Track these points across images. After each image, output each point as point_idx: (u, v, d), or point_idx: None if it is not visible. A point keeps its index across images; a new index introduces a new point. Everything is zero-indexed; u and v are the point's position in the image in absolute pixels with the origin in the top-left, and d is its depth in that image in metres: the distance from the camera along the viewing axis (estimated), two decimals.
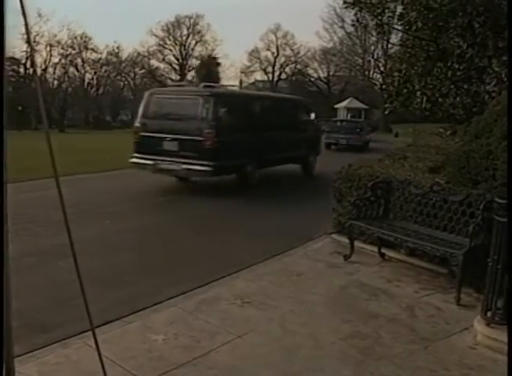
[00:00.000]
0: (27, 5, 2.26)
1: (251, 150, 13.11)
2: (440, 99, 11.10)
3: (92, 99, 76.50)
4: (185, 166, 11.94)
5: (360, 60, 63.93)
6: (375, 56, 60.05)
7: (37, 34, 58.88)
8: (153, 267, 6.78)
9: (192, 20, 73.61)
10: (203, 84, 14.05)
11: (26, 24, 2.42)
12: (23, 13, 2.27)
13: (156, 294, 5.61)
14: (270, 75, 78.81)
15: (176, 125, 12.38)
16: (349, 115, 45.90)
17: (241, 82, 76.89)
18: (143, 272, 6.51)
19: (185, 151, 12.00)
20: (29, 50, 61.11)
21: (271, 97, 19.39)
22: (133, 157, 12.92)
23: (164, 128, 12.45)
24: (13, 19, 2.09)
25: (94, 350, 3.79)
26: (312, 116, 17.40)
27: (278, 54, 77.53)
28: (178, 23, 73.65)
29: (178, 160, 12.03)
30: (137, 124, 13.23)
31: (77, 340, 4.43)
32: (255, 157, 13.27)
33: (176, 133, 12.21)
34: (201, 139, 11.79)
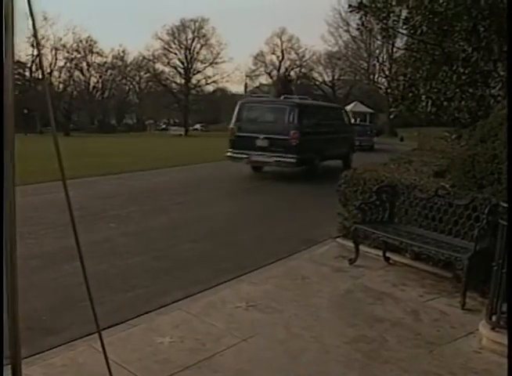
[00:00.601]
0: (34, 9, 2.28)
1: (318, 147, 16.83)
2: (445, 103, 11.08)
3: (97, 102, 76.76)
4: (275, 158, 15.87)
5: (365, 64, 64.04)
6: (380, 60, 60.14)
7: (43, 38, 59.10)
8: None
9: (197, 24, 73.85)
10: (283, 96, 20.22)
11: (34, 28, 2.44)
12: (32, 17, 2.29)
13: None
14: (275, 79, 78.88)
15: (267, 127, 16.30)
16: (358, 119, 45.95)
17: (246, 86, 77.05)
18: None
19: (274, 147, 15.85)
20: (34, 54, 61.55)
21: (326, 106, 24.11)
22: (228, 152, 16.79)
23: (257, 129, 16.24)
24: (19, 22, 2.11)
25: (99, 353, 3.81)
26: (351, 120, 22.21)
27: (283, 58, 77.72)
28: (183, 26, 73.86)
29: (268, 154, 15.93)
30: (232, 126, 17.07)
31: (83, 342, 4.45)
32: (320, 153, 17.10)
33: (267, 133, 16.04)
34: (288, 137, 15.78)
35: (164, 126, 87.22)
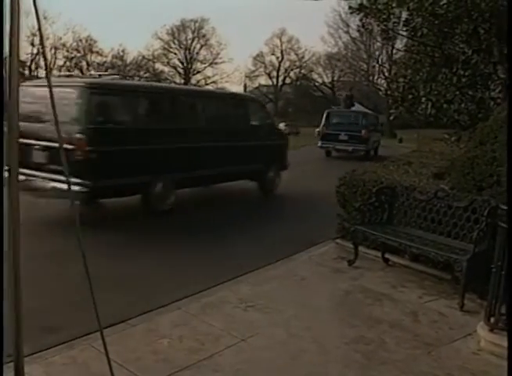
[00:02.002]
0: (39, 8, 2.29)
1: None
2: (445, 105, 11.12)
3: None
4: (352, 147, 25.54)
5: (365, 66, 64.07)
6: (380, 62, 60.19)
7: (44, 37, 58.97)
8: None
9: (197, 24, 73.70)
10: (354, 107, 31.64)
11: (39, 26, 2.45)
12: (37, 15, 2.30)
13: None
14: (274, 80, 78.93)
15: (346, 128, 25.81)
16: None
17: (245, 86, 77.08)
18: None
19: (351, 140, 25.46)
20: (34, 52, 61.58)
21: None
22: (320, 142, 26.32)
23: (339, 129, 25.82)
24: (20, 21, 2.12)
25: (99, 352, 3.84)
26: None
27: (282, 58, 77.65)
28: (183, 26, 73.73)
29: (347, 144, 25.56)
30: (319, 129, 26.99)
31: (83, 341, 4.45)
32: None
33: (346, 132, 25.52)
34: (360, 134, 25.44)
35: None
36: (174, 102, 10.89)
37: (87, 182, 8.35)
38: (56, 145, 7.19)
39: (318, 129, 26.95)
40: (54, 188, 8.43)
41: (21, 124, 2.88)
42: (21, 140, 4.22)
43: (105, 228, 8.51)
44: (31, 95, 8.78)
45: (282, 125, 15.46)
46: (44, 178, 8.82)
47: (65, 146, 7.32)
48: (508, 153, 4.32)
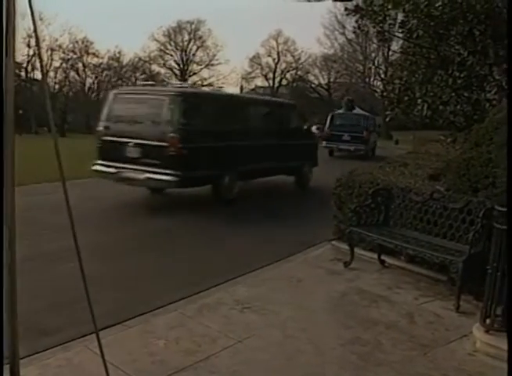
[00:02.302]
0: (35, 10, 2.29)
1: None
2: (441, 107, 11.13)
3: (93, 103, 76.48)
4: (352, 146, 27.45)
5: (361, 67, 64.07)
6: (376, 63, 60.26)
7: (39, 39, 58.88)
8: None
9: (193, 26, 73.59)
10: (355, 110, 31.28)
11: (35, 27, 2.45)
12: (32, 17, 2.30)
13: None
14: (271, 81, 78.94)
15: (348, 129, 27.45)
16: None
17: (242, 88, 77.04)
18: None
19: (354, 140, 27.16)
20: (30, 54, 61.48)
21: None
22: (324, 142, 26.84)
23: (342, 130, 27.30)
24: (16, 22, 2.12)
25: (94, 354, 3.83)
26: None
27: (279, 60, 77.61)
28: (179, 28, 73.64)
29: (349, 145, 27.33)
30: (326, 128, 27.69)
31: (78, 343, 4.46)
32: None
33: (349, 133, 27.28)
34: (361, 135, 27.50)
35: None
36: (237, 107, 12.74)
37: (178, 173, 10.23)
38: (149, 142, 10.46)
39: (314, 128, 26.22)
40: (147, 178, 10.43)
41: (116, 125, 7.38)
42: (116, 139, 8.70)
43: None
44: (126, 100, 11.34)
45: (314, 128, 16.58)
46: (136, 170, 10.57)
47: (160, 143, 10.04)
48: (508, 153, 4.33)
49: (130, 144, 10.67)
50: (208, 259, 7.47)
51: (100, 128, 11.59)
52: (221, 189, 11.42)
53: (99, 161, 11.41)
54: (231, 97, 14.46)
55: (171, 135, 10.26)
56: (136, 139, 10.62)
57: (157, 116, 10.70)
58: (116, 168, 10.90)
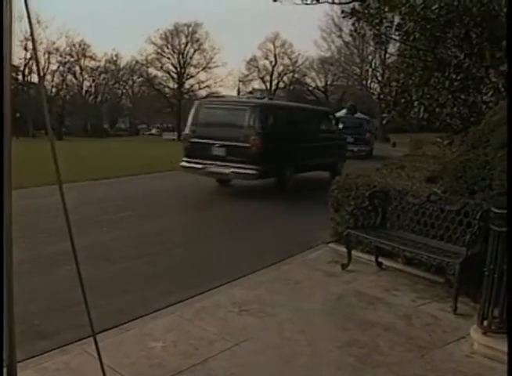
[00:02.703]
0: (32, 12, 2.29)
1: None
2: (437, 109, 11.14)
3: (90, 106, 76.51)
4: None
5: (358, 70, 64.17)
6: (373, 66, 60.35)
7: (36, 41, 58.85)
8: None
9: (190, 29, 73.69)
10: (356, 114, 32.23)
11: (31, 30, 2.45)
12: (29, 19, 2.30)
13: None
14: (268, 84, 79.01)
15: (352, 131, 26.01)
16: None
17: (239, 91, 77.04)
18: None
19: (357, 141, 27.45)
20: (27, 57, 61.41)
21: None
22: None
23: (347, 133, 22.18)
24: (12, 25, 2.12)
25: (92, 357, 3.83)
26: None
27: (276, 63, 77.74)
28: (176, 31, 73.72)
29: (353, 146, 26.06)
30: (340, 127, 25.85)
31: (76, 347, 4.45)
32: None
33: (352, 135, 26.17)
34: (364, 137, 28.53)
35: (153, 131, 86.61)
36: (294, 115, 15.81)
37: (258, 168, 12.97)
38: (233, 143, 13.17)
39: None
40: (232, 172, 13.19)
41: (202, 129, 12.83)
42: (202, 140, 13.04)
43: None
44: (209, 108, 14.31)
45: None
46: (222, 165, 13.29)
47: (243, 144, 12.96)
48: (508, 153, 4.34)
49: (216, 145, 13.36)
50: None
51: (187, 132, 14.47)
52: (283, 180, 14.15)
53: (186, 159, 14.14)
54: (290, 107, 18.09)
55: (253, 137, 12.95)
56: (221, 140, 13.33)
57: (240, 122, 13.26)
58: (202, 164, 13.56)
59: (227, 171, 13.24)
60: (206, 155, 13.51)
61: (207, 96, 17.92)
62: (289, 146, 14.08)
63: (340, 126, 19.88)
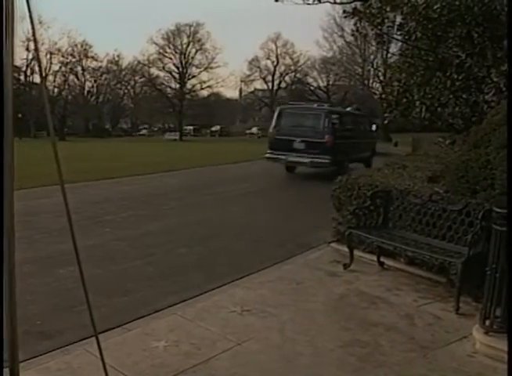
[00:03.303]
0: (34, 13, 2.29)
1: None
2: (439, 109, 11.14)
3: (92, 107, 76.67)
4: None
5: (360, 69, 64.18)
6: (374, 66, 60.35)
7: (38, 42, 58.86)
8: None
9: (192, 29, 73.73)
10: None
11: (33, 32, 2.46)
12: (31, 19, 2.30)
13: None
14: (270, 84, 79.04)
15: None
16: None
17: (241, 91, 77.10)
18: None
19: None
20: (29, 58, 61.49)
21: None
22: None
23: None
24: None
25: (94, 357, 3.84)
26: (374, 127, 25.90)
27: (278, 63, 77.84)
28: (178, 31, 73.74)
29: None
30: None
31: (78, 347, 4.46)
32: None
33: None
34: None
35: (143, 132, 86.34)
36: (348, 118, 21.15)
37: (330, 158, 17.51)
38: (311, 139, 17.75)
39: None
40: (311, 161, 17.77)
41: (284, 128, 18.46)
42: (285, 137, 18.30)
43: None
44: (289, 112, 18.97)
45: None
46: (302, 156, 17.85)
47: (319, 140, 18.01)
48: (508, 153, 4.34)
49: (297, 140, 17.92)
50: None
51: (271, 130, 19.17)
52: (342, 168, 16.60)
53: (270, 151, 18.78)
54: (347, 113, 22.61)
55: (327, 135, 17.69)
56: (301, 137, 17.91)
57: (317, 124, 18.01)
58: (285, 155, 18.15)
59: (306, 160, 17.82)
60: (288, 148, 17.94)
61: (286, 103, 23.24)
62: (347, 142, 18.75)
63: (374, 127, 25.06)
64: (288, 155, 18.01)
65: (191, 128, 79.62)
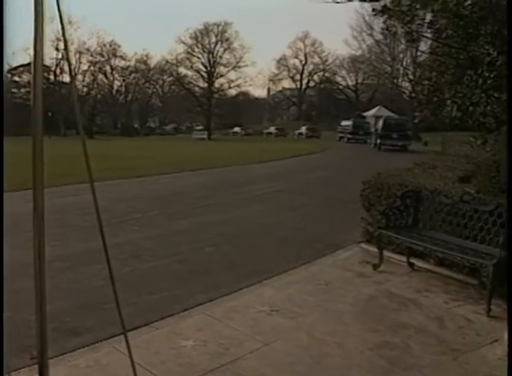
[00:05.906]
0: (64, 13, 2.29)
1: None
2: (470, 108, 10.97)
3: (121, 105, 77.37)
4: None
5: (389, 68, 63.78)
6: (404, 64, 59.88)
7: (67, 41, 59.48)
8: None
9: (220, 28, 73.92)
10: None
11: (63, 32, 2.47)
12: (61, 19, 2.31)
13: None
14: (298, 83, 78.90)
15: (396, 129, 40.15)
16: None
17: (269, 90, 77.07)
18: None
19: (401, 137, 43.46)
20: (59, 57, 62.21)
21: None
22: (379, 140, 41.46)
23: (392, 130, 40.20)
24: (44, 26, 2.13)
25: (123, 354, 3.85)
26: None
27: (306, 62, 77.76)
28: (206, 30, 73.98)
29: (397, 141, 40.14)
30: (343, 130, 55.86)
31: (107, 344, 4.48)
32: None
33: (397, 132, 39.71)
34: (407, 133, 41.14)
35: (184, 129, 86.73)
36: (391, 122, 40.59)
37: (408, 143, 39.02)
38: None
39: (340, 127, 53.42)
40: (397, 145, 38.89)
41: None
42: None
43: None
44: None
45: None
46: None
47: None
48: (508, 153, 4.26)
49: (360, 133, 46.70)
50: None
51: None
52: (405, 149, 35.64)
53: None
54: (391, 117, 34.90)
55: (379, 131, 40.17)
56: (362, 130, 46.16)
57: (377, 125, 40.91)
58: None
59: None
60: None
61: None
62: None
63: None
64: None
65: (238, 129, 78.10)
